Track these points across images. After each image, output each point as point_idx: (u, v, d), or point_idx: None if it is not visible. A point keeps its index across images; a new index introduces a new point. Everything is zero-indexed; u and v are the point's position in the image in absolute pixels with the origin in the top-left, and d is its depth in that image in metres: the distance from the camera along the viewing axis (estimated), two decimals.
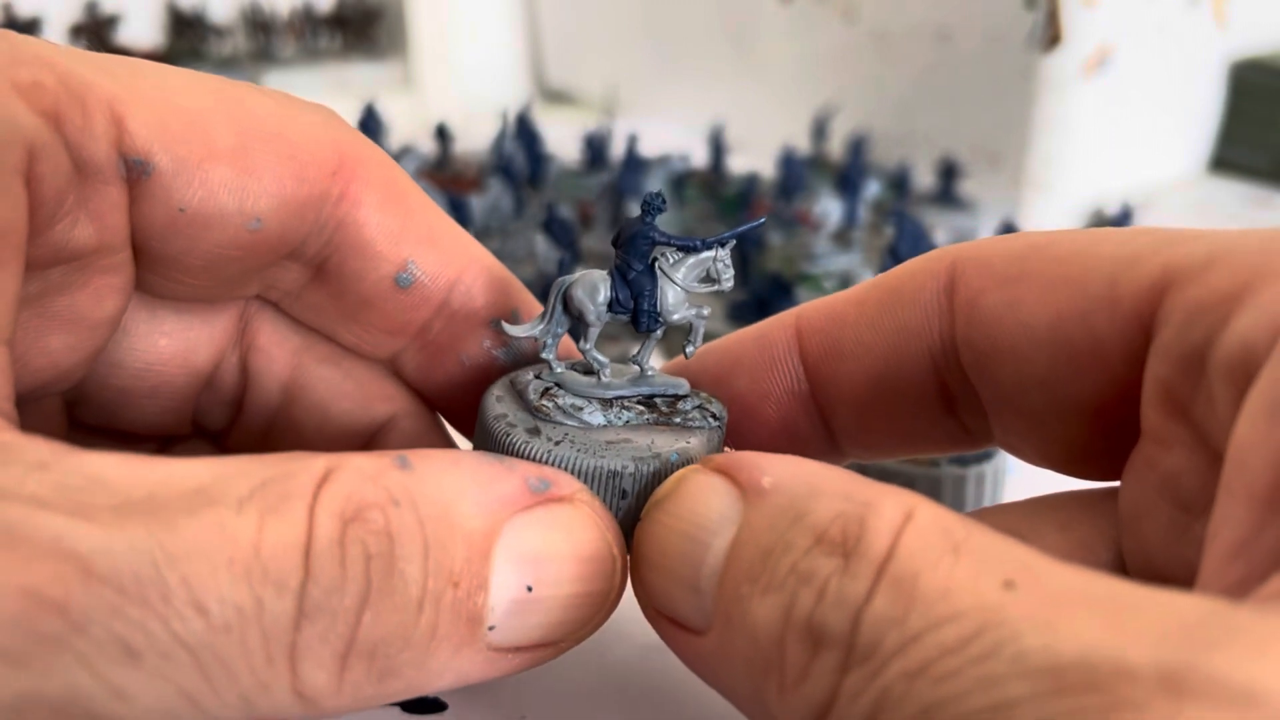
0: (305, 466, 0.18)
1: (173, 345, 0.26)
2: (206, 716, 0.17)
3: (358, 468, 0.18)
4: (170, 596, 0.16)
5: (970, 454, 0.38)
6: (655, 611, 0.21)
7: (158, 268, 0.24)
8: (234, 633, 0.16)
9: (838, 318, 0.26)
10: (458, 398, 0.28)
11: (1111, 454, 0.22)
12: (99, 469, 0.16)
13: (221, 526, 0.16)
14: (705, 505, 0.20)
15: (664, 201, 0.25)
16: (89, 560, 0.15)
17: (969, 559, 0.16)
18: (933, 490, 0.38)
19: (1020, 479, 0.38)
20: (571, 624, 0.21)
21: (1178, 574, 0.20)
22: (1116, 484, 0.23)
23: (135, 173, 0.22)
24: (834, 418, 0.26)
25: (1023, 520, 0.23)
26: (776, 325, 0.27)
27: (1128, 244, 0.21)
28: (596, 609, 0.21)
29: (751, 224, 0.27)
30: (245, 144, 0.23)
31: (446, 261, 0.26)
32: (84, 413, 0.27)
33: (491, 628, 0.19)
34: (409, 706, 0.27)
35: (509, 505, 0.20)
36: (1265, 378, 0.17)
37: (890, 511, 0.17)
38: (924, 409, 0.25)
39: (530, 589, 0.20)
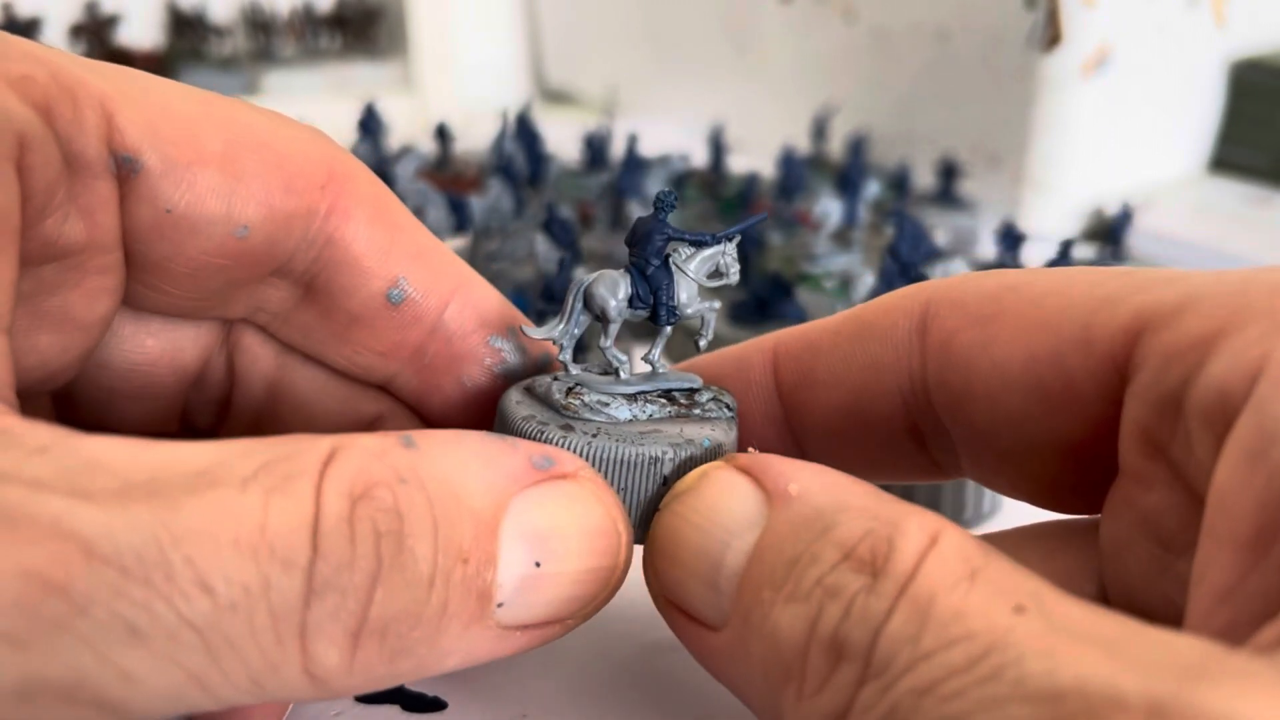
0: (309, 446, 0.18)
1: (160, 345, 0.26)
2: (215, 700, 0.16)
3: (364, 447, 0.18)
4: (174, 576, 0.15)
5: None
6: (666, 600, 0.21)
7: (144, 275, 0.24)
8: (241, 612, 0.16)
9: (813, 346, 0.26)
10: (458, 420, 0.28)
11: (1087, 489, 0.23)
12: (99, 452, 0.16)
13: (225, 506, 0.16)
14: (727, 504, 0.20)
15: (675, 198, 0.25)
16: (90, 541, 0.15)
17: (984, 585, 0.16)
18: (932, 496, 0.38)
19: None
20: (579, 600, 0.21)
21: (1159, 609, 0.20)
22: (1098, 516, 0.23)
23: (124, 170, 0.22)
24: (806, 442, 0.27)
25: (1009, 550, 0.24)
26: (754, 349, 0.27)
27: (1101, 286, 0.21)
28: (603, 585, 0.21)
29: (754, 218, 0.28)
30: (234, 151, 0.23)
31: (438, 279, 0.26)
32: (73, 413, 0.27)
33: (500, 605, 0.19)
34: (409, 706, 0.27)
35: (515, 482, 0.20)
36: (1243, 424, 0.17)
37: (917, 534, 0.18)
38: (893, 442, 0.26)
39: (539, 565, 0.20)
